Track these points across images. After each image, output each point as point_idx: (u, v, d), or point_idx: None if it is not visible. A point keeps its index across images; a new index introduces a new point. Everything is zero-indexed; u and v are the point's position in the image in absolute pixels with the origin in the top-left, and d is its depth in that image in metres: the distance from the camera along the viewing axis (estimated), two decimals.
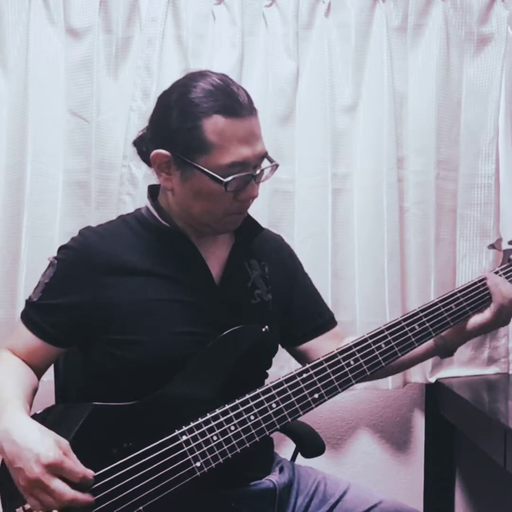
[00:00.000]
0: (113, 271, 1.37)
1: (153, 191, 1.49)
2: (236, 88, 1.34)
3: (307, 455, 1.80)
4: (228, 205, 1.36)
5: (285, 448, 2.12)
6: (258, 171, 1.36)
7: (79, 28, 2.16)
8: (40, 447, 1.13)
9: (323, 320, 1.63)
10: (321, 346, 1.55)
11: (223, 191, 1.31)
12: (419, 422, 2.47)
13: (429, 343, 1.49)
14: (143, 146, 1.45)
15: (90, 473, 1.17)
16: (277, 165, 1.40)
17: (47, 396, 1.56)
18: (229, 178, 1.30)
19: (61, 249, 1.42)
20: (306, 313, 1.61)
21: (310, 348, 1.58)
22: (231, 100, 1.31)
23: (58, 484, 1.12)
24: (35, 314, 1.38)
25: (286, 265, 1.61)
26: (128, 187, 2.15)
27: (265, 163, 1.39)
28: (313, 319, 1.62)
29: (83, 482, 1.15)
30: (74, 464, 1.14)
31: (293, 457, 1.80)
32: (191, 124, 1.30)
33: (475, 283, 1.50)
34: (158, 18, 2.17)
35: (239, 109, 1.31)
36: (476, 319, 1.48)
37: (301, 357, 1.60)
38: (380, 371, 1.40)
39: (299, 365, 1.38)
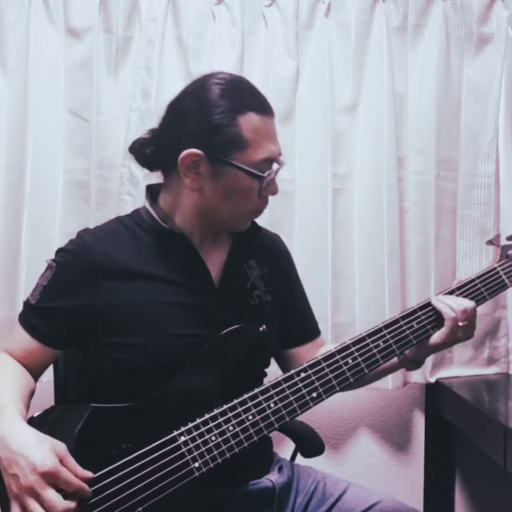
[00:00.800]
0: (111, 274, 1.36)
1: (152, 192, 1.48)
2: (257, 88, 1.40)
3: (306, 455, 1.80)
4: (253, 204, 1.39)
5: (285, 448, 2.12)
6: (277, 168, 1.39)
7: (79, 28, 2.16)
8: (36, 454, 1.12)
9: (313, 326, 1.65)
10: (305, 355, 1.54)
11: (256, 187, 1.35)
12: (419, 422, 2.47)
13: (393, 359, 1.47)
14: (146, 149, 1.44)
15: (89, 475, 1.16)
16: (284, 164, 1.43)
17: (46, 397, 1.56)
18: (266, 173, 1.34)
19: (59, 251, 1.42)
20: (299, 317, 1.62)
21: (296, 355, 1.59)
22: (260, 99, 1.37)
23: (50, 495, 1.10)
24: (33, 317, 1.38)
25: (283, 265, 1.61)
26: (128, 187, 2.15)
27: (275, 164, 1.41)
28: (305, 323, 1.63)
29: (78, 493, 1.14)
30: (71, 475, 1.13)
31: (293, 457, 1.80)
32: (226, 121, 1.31)
33: (473, 280, 1.51)
34: (158, 18, 2.17)
35: (267, 107, 1.37)
36: (435, 336, 1.44)
37: (284, 362, 1.60)
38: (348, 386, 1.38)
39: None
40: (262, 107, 1.36)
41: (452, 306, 1.42)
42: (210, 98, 1.34)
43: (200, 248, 1.44)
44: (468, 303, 1.44)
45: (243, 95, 1.35)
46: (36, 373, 1.41)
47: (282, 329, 1.55)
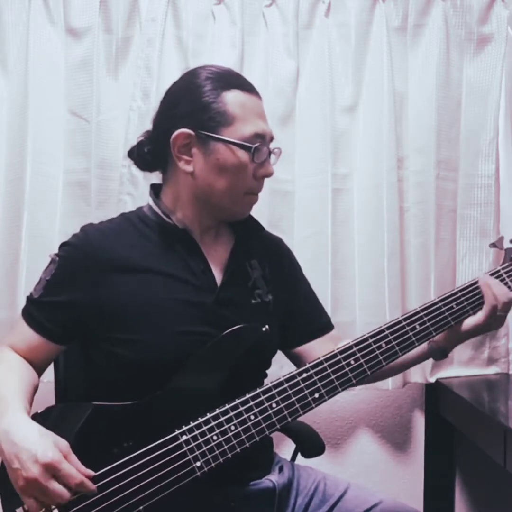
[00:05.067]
0: (115, 269, 1.36)
1: (156, 190, 1.49)
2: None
3: (307, 455, 1.79)
4: (248, 182, 1.40)
5: (285, 448, 2.12)
6: (272, 149, 1.42)
7: (79, 28, 2.16)
8: (38, 447, 1.13)
9: (321, 323, 1.64)
10: (318, 349, 1.53)
11: (248, 162, 1.36)
12: (419, 422, 2.47)
13: (423, 346, 1.48)
14: (144, 148, 1.47)
15: (90, 473, 1.17)
16: (280, 150, 1.46)
17: (47, 397, 1.56)
18: (256, 144, 1.36)
19: (63, 245, 1.42)
20: (305, 316, 1.62)
21: (306, 351, 1.58)
22: (244, 80, 1.42)
23: (55, 486, 1.12)
24: (36, 311, 1.38)
25: (286, 266, 1.62)
26: (128, 187, 2.15)
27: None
28: (312, 321, 1.62)
29: (79, 488, 1.15)
30: (72, 469, 1.14)
31: (293, 457, 1.80)
32: (212, 98, 1.35)
33: (476, 282, 1.50)
34: (158, 18, 2.17)
35: (252, 88, 1.41)
36: (469, 321, 1.46)
37: (297, 360, 1.60)
38: (378, 373, 1.40)
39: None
40: (247, 87, 1.40)
41: (497, 295, 1.45)
42: (197, 82, 1.39)
43: (202, 245, 1.45)
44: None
45: (228, 77, 1.41)
46: (39, 368, 1.41)
47: (291, 328, 1.56)
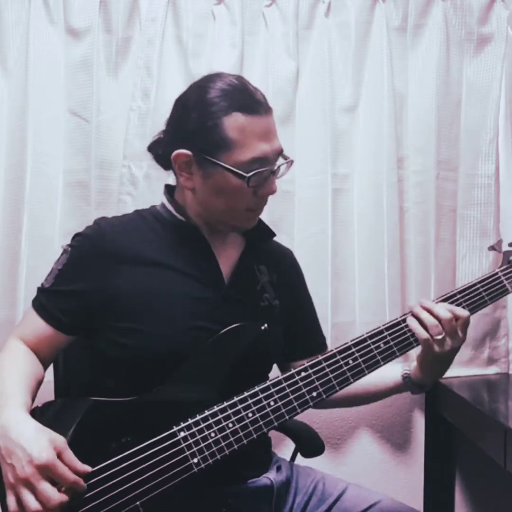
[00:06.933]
0: (125, 261, 1.38)
1: (170, 189, 1.51)
2: (253, 87, 1.39)
3: (306, 455, 1.80)
4: (248, 201, 1.39)
5: (285, 448, 2.12)
6: (276, 167, 1.40)
7: (79, 28, 2.16)
8: (34, 447, 1.13)
9: (318, 342, 1.66)
10: None
11: (245, 186, 1.35)
12: (419, 422, 2.47)
13: (398, 379, 1.49)
14: (159, 149, 1.48)
15: (87, 469, 1.17)
16: (292, 162, 1.46)
17: (47, 397, 1.55)
18: (251, 173, 1.34)
19: (76, 236, 1.44)
20: (307, 331, 1.64)
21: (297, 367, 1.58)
22: (249, 99, 1.36)
23: (46, 487, 1.12)
24: (47, 301, 1.39)
25: (293, 280, 1.63)
26: (128, 187, 2.15)
27: (280, 160, 1.43)
28: (310, 339, 1.65)
29: (73, 487, 1.15)
30: (66, 470, 1.14)
31: (293, 457, 1.80)
32: (212, 122, 1.33)
33: (474, 285, 1.49)
34: (158, 18, 2.17)
35: (257, 107, 1.36)
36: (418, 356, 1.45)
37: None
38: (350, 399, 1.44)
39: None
40: (250, 106, 1.34)
41: (426, 322, 1.37)
42: (204, 100, 1.36)
43: (212, 244, 1.46)
44: (445, 314, 1.36)
45: (232, 96, 1.35)
46: (45, 360, 1.42)
47: (290, 341, 1.56)
